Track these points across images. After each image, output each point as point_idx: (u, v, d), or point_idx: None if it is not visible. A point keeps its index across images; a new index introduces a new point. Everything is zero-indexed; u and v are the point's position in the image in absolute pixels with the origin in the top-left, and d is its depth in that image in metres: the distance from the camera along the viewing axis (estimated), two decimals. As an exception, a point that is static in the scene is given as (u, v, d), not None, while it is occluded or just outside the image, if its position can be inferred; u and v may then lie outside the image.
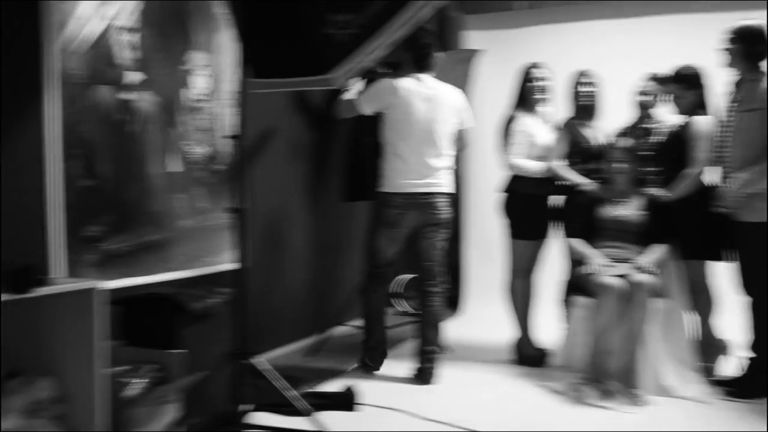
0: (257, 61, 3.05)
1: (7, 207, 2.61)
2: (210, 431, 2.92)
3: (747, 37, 3.53)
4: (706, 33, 3.99)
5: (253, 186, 3.52)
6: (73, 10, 2.87)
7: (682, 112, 3.91)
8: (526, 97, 4.26)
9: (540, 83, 4.24)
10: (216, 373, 2.94)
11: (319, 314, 4.76)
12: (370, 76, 4.02)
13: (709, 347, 3.85)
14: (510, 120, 4.26)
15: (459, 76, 5.16)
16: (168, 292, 3.11)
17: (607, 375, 3.58)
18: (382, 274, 4.06)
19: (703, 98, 3.86)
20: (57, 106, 2.80)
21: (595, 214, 3.91)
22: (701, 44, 4.03)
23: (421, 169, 3.84)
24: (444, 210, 3.90)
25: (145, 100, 3.26)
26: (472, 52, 5.32)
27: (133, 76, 3.19)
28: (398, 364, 4.08)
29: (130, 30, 3.16)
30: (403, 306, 5.37)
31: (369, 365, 4.05)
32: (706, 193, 3.75)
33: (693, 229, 3.80)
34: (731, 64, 3.60)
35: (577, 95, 4.24)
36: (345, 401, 3.36)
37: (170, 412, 2.81)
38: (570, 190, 4.13)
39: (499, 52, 5.63)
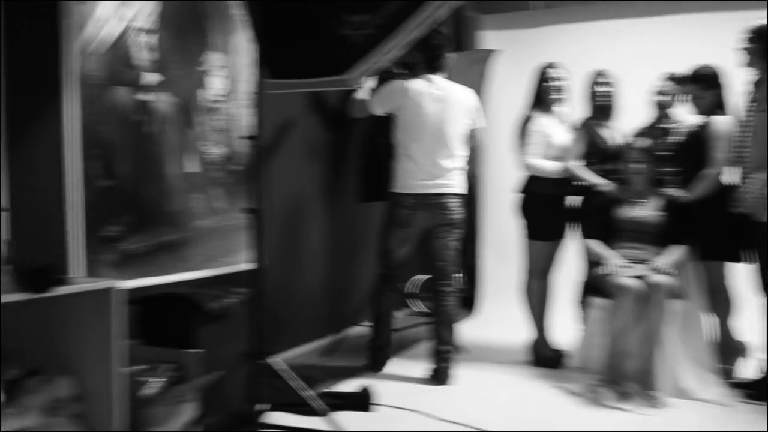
0: (273, 61, 3.06)
1: (26, 207, 2.64)
2: (226, 431, 2.94)
3: (765, 36, 3.50)
4: (724, 32, 3.95)
5: (269, 186, 3.53)
6: (91, 12, 2.90)
7: (701, 112, 3.88)
8: (543, 98, 4.24)
9: (556, 83, 4.23)
10: (233, 373, 2.95)
11: (335, 314, 4.77)
12: (385, 76, 4.02)
13: (728, 349, 3.81)
14: (526, 120, 4.24)
15: (475, 76, 5.15)
16: (185, 292, 3.13)
17: (625, 376, 3.56)
18: (393, 276, 4.07)
19: (722, 98, 3.83)
20: (76, 107, 2.82)
21: (612, 214, 3.88)
22: (720, 44, 3.99)
23: (432, 170, 3.84)
24: (455, 210, 3.90)
25: (162, 101, 3.28)
26: (489, 52, 5.31)
27: (151, 77, 3.21)
28: (414, 365, 4.08)
29: (148, 31, 3.19)
30: (419, 306, 5.37)
31: (373, 365, 4.07)
32: (725, 193, 3.72)
33: (711, 230, 3.76)
34: (750, 64, 3.56)
35: (594, 95, 4.22)
36: (361, 401, 3.37)
37: (187, 412, 2.83)
38: (587, 190, 4.11)
39: (515, 52, 5.61)
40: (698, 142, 3.82)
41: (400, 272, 4.12)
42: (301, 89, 3.59)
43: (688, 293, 3.74)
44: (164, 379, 2.77)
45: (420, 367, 4.00)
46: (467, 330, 4.94)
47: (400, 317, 5.25)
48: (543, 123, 4.19)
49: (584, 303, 4.05)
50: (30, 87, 2.68)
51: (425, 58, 3.90)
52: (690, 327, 3.70)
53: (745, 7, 4.51)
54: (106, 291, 2.51)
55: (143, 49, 3.16)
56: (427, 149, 3.84)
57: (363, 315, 4.85)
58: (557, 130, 4.22)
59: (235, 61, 3.74)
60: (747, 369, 3.82)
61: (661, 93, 4.10)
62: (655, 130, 4.09)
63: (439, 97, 3.86)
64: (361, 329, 4.78)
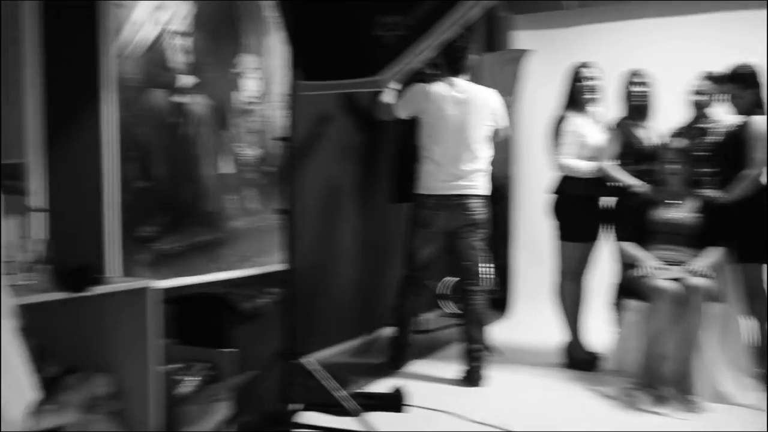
0: (307, 63, 3.07)
1: (65, 207, 2.69)
2: (260, 430, 2.96)
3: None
4: (763, 30, 3.88)
5: (302, 187, 3.55)
6: (128, 16, 2.94)
7: (740, 111, 3.81)
8: (576, 97, 4.21)
9: (590, 83, 4.20)
10: (266, 373, 2.97)
11: (368, 315, 4.78)
12: (417, 78, 4.03)
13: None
14: (560, 120, 4.21)
15: (508, 76, 5.14)
16: (219, 292, 3.16)
17: (661, 380, 3.51)
18: (418, 277, 4.10)
19: (761, 97, 3.77)
20: (113, 110, 2.87)
21: (647, 216, 3.83)
22: (759, 42, 3.92)
23: (454, 172, 3.87)
24: (478, 211, 3.90)
25: (197, 103, 3.32)
26: (522, 52, 5.28)
27: (186, 80, 3.25)
28: (446, 366, 4.07)
29: (183, 34, 3.22)
30: (450, 307, 5.35)
31: (392, 364, 4.10)
32: (764, 194, 3.65)
33: (750, 232, 3.70)
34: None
35: (629, 95, 4.17)
36: (394, 402, 3.37)
37: (221, 410, 2.85)
38: (621, 191, 4.06)
39: (549, 52, 5.57)
40: (737, 142, 3.76)
41: (424, 273, 4.14)
42: (333, 90, 3.60)
43: (726, 296, 3.67)
44: (199, 378, 2.80)
45: (452, 368, 3.99)
46: (500, 332, 4.91)
47: (431, 318, 5.25)
48: (577, 123, 4.16)
49: (619, 305, 4.00)
50: (69, 90, 2.73)
51: (447, 61, 3.92)
52: (728, 330, 3.64)
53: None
54: (142, 290, 2.55)
55: (178, 52, 3.20)
56: (449, 151, 3.87)
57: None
58: (591, 130, 4.18)
59: (268, 63, 3.77)
60: (787, 374, 3.74)
61: (698, 92, 4.05)
62: (693, 130, 4.03)
63: (460, 100, 3.89)
64: (393, 330, 4.78)
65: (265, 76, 3.75)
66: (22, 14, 2.52)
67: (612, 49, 5.28)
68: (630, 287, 3.80)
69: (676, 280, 3.58)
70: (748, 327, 3.73)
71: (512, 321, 5.61)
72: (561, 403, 3.59)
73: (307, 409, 3.10)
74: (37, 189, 2.58)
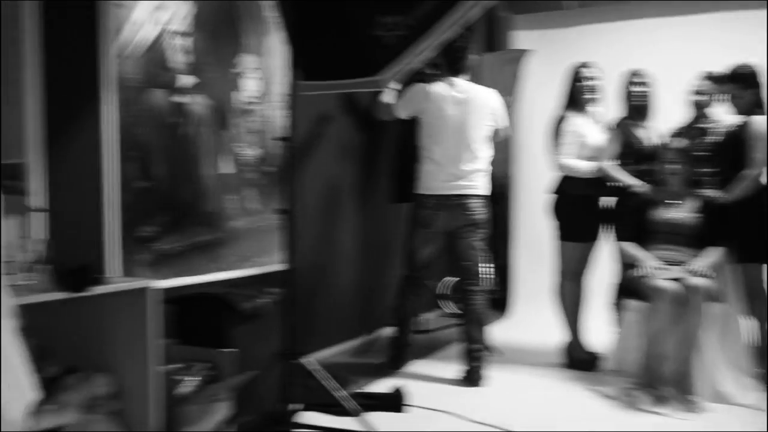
0: (307, 63, 3.07)
1: (65, 207, 2.69)
2: (260, 430, 2.96)
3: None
4: (763, 31, 3.88)
5: (302, 187, 3.55)
6: (128, 16, 2.94)
7: (740, 111, 3.81)
8: (576, 97, 4.21)
9: (590, 83, 4.20)
10: (266, 373, 2.97)
11: (368, 315, 4.78)
12: (417, 78, 4.03)
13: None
14: (560, 120, 4.21)
15: (508, 76, 5.14)
16: (219, 292, 3.16)
17: (661, 380, 3.51)
18: (418, 277, 4.10)
19: (761, 97, 3.76)
20: (113, 109, 2.87)
21: (648, 216, 3.83)
22: (759, 42, 3.92)
23: (453, 172, 3.88)
24: (478, 211, 3.91)
25: (197, 103, 3.32)
26: (522, 52, 5.28)
27: (186, 80, 3.25)
28: (446, 366, 4.07)
29: (183, 34, 3.22)
30: (450, 307, 5.36)
31: (392, 364, 4.11)
32: (764, 194, 3.65)
33: (750, 232, 3.70)
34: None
35: (629, 95, 4.17)
36: (394, 402, 3.37)
37: (221, 410, 2.85)
38: (621, 191, 4.06)
39: (549, 52, 5.56)
40: (737, 142, 3.75)
41: (424, 273, 4.14)
42: (333, 90, 3.60)
43: (726, 296, 3.67)
44: (199, 378, 2.80)
45: (452, 368, 3.99)
46: (500, 332, 4.91)
47: (431, 318, 5.25)
48: (577, 123, 4.16)
49: (619, 305, 4.00)
50: (69, 90, 2.73)
51: (447, 61, 3.93)
52: (728, 330, 3.64)
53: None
54: (142, 290, 2.55)
55: (178, 52, 3.20)
56: (449, 152, 3.88)
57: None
58: (591, 130, 4.18)
59: (268, 63, 3.77)
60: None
61: (698, 92, 4.05)
62: (693, 130, 4.03)
63: (460, 100, 3.89)
64: (393, 330, 4.78)
65: (265, 76, 3.75)
66: (22, 14, 2.53)
67: (612, 49, 5.28)
68: (630, 287, 3.80)
69: (676, 280, 3.58)
70: (748, 327, 3.73)
71: (512, 321, 5.61)
72: (561, 403, 3.59)
73: (307, 409, 3.10)
74: (37, 189, 2.58)
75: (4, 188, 2.43)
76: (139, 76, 3.00)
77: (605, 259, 4.24)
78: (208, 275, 3.36)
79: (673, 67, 4.58)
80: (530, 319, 5.41)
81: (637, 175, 4.01)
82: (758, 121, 3.70)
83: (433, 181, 3.91)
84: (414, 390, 3.51)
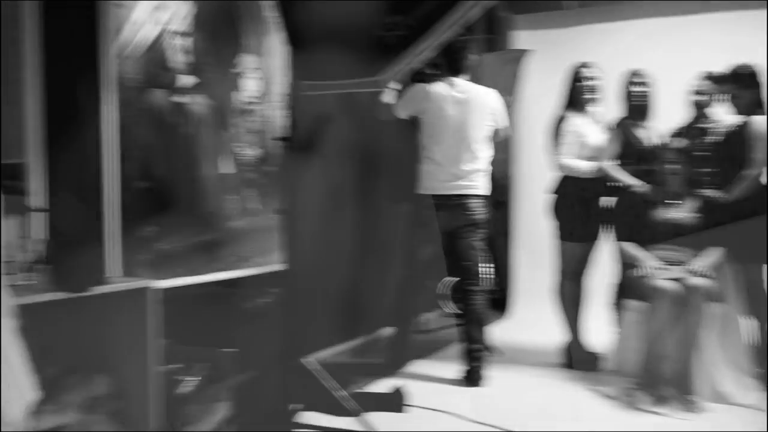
0: (306, 63, 3.07)
1: (65, 207, 2.68)
2: (260, 430, 2.96)
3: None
4: (762, 31, 3.88)
5: (302, 187, 3.55)
6: (128, 16, 2.94)
7: (740, 112, 3.81)
8: (576, 97, 4.21)
9: (590, 83, 4.20)
10: (266, 373, 2.97)
11: (368, 315, 4.77)
12: (417, 78, 4.03)
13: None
14: (560, 120, 4.21)
15: (508, 76, 5.14)
16: (220, 292, 3.16)
17: (661, 380, 3.51)
18: (418, 277, 4.08)
19: (761, 97, 3.76)
20: (113, 109, 2.87)
21: (647, 216, 3.83)
22: (759, 43, 3.92)
23: (453, 172, 3.88)
24: (477, 211, 3.91)
25: (197, 103, 3.32)
26: (522, 52, 5.28)
27: (186, 80, 3.25)
28: (446, 366, 4.07)
29: (183, 34, 3.22)
30: (450, 307, 5.36)
31: (394, 365, 4.10)
32: (764, 194, 3.65)
33: (750, 232, 3.69)
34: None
35: (629, 95, 4.17)
36: (394, 402, 3.36)
37: (221, 411, 2.85)
38: (621, 191, 4.06)
39: (549, 52, 5.56)
40: (737, 142, 3.75)
41: (425, 273, 4.13)
42: (333, 90, 3.60)
43: (726, 296, 3.67)
44: (199, 378, 2.80)
45: (453, 368, 3.99)
46: (500, 332, 4.91)
47: (431, 318, 5.24)
48: (577, 123, 4.16)
49: (619, 305, 4.00)
50: (68, 90, 2.72)
51: (447, 61, 3.93)
52: (728, 330, 3.64)
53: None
54: (142, 290, 2.55)
55: (178, 52, 3.20)
56: (449, 151, 3.88)
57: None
58: (591, 130, 4.18)
59: (268, 63, 3.76)
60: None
61: (698, 92, 4.05)
62: (692, 130, 4.03)
63: (460, 100, 3.89)
64: (393, 330, 4.78)
65: (265, 76, 3.74)
66: (22, 14, 2.53)
67: (612, 49, 5.28)
68: (630, 287, 3.80)
69: (676, 280, 3.58)
70: (748, 327, 3.73)
71: (512, 321, 5.60)
72: (561, 403, 3.59)
73: (307, 409, 3.10)
74: (37, 189, 2.58)
75: (4, 188, 2.43)
76: (139, 76, 3.00)
77: (605, 259, 4.24)
78: (208, 275, 3.36)
79: (673, 67, 4.57)
80: (530, 319, 5.41)
81: (637, 175, 4.01)
82: (758, 121, 3.70)
83: (433, 181, 3.92)
84: (414, 390, 3.50)
